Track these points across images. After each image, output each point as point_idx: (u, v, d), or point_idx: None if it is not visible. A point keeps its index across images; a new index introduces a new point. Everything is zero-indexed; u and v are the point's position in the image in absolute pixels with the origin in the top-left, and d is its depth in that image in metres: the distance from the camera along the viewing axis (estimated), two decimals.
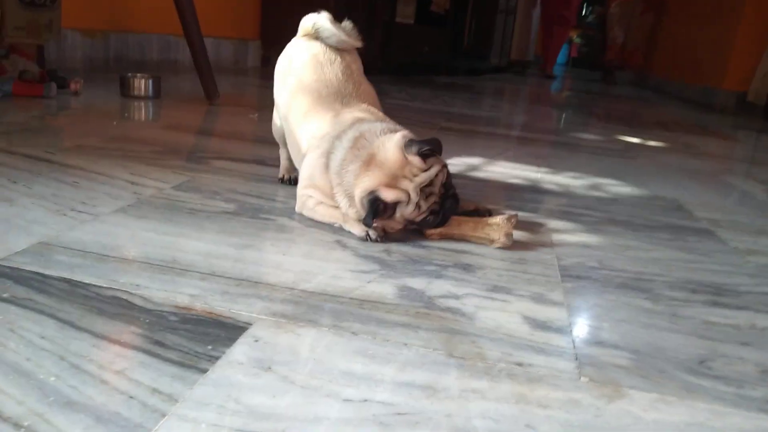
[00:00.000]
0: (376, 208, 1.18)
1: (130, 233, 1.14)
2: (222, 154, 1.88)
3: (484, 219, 1.27)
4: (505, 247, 1.24)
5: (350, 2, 4.70)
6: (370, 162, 1.22)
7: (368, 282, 1.04)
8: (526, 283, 1.11)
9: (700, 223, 1.67)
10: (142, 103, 2.69)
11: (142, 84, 2.78)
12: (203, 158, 1.78)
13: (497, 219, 1.25)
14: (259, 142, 2.06)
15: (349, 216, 1.27)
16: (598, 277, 1.18)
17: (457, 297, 1.02)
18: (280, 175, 1.59)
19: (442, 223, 1.27)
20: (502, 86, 6.45)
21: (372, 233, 1.23)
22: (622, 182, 2.10)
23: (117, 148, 1.78)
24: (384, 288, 1.02)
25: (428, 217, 1.23)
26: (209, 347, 0.79)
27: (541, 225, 1.48)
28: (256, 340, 0.81)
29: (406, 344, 0.85)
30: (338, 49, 1.50)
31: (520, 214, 1.54)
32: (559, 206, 1.69)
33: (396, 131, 1.28)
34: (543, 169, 2.17)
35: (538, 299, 1.04)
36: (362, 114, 1.34)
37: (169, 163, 1.66)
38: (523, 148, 2.64)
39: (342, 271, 1.07)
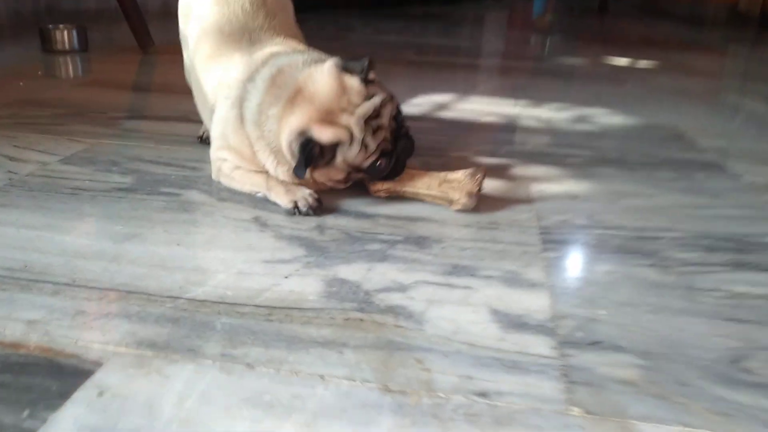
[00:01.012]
0: (310, 153, 0.92)
1: None
2: (140, 112, 1.59)
3: (443, 174, 1.00)
4: (467, 210, 0.98)
5: None
6: (295, 98, 0.94)
7: (286, 277, 0.78)
8: (496, 258, 0.85)
9: (705, 154, 1.41)
10: (66, 58, 2.35)
11: (65, 36, 2.43)
12: (115, 119, 1.48)
13: (459, 174, 0.98)
14: (190, 95, 1.76)
15: (279, 178, 1.00)
16: (588, 239, 0.93)
17: (403, 288, 0.76)
18: (200, 133, 1.31)
19: (396, 170, 1.01)
20: (481, 14, 6.04)
21: (302, 204, 0.97)
22: (612, 111, 1.82)
23: (10, 114, 1.48)
24: (307, 284, 0.77)
25: (379, 160, 0.97)
26: (25, 413, 0.53)
27: (517, 173, 1.21)
28: (101, 393, 0.56)
29: (322, 377, 0.60)
30: None
31: (493, 160, 1.28)
32: (540, 146, 1.42)
33: (323, 61, 1.00)
34: (522, 102, 1.89)
35: (512, 281, 0.79)
36: (276, 48, 1.06)
37: (69, 129, 1.37)
38: (500, 80, 2.35)
39: (253, 263, 0.81)
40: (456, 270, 0.81)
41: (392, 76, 2.27)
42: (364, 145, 0.94)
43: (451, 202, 0.97)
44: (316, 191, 1.00)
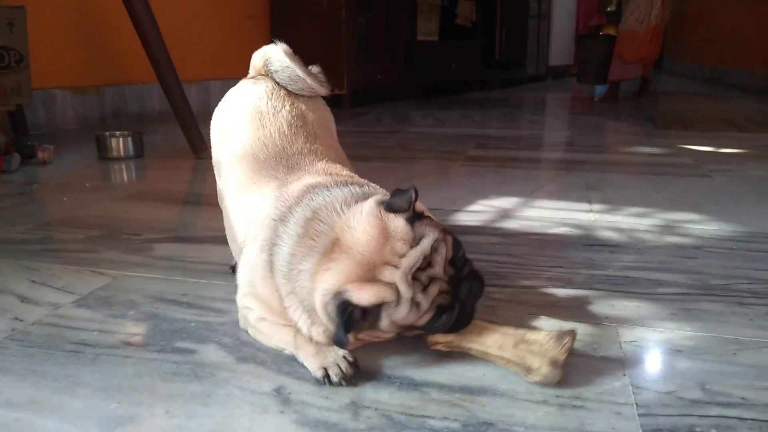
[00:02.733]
0: (349, 319, 0.74)
1: None
2: (177, 233, 1.48)
3: (521, 332, 0.80)
4: (548, 383, 0.77)
5: (366, 26, 4.33)
6: (332, 250, 0.78)
7: None
8: None
9: None
10: (119, 166, 2.34)
11: (120, 144, 2.44)
12: (149, 242, 1.38)
13: (541, 336, 0.78)
14: None
15: (314, 340, 0.83)
16: (705, 426, 0.70)
17: None
18: (233, 263, 1.17)
19: (462, 322, 0.82)
20: (541, 97, 5.94)
21: (333, 372, 0.79)
22: (704, 215, 1.59)
23: (41, 239, 1.41)
24: None
25: (436, 318, 0.78)
26: None
27: (601, 312, 1.00)
28: None
29: None
30: (294, 95, 1.08)
31: (570, 291, 1.07)
32: (625, 269, 1.20)
33: (366, 197, 0.85)
34: (596, 207, 1.69)
35: None
36: (315, 179, 0.91)
37: (96, 257, 1.27)
38: (568, 176, 2.15)
39: None
40: None
41: (451, 177, 2.12)
42: (414, 304, 0.76)
43: (528, 370, 0.77)
44: (354, 349, 0.82)
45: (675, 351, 0.88)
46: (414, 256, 0.76)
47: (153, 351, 0.88)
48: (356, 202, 0.84)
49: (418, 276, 0.77)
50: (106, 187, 2.05)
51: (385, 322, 0.78)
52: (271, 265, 0.85)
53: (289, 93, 1.08)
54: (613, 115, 4.18)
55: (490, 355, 0.81)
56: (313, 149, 1.01)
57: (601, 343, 0.90)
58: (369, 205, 0.81)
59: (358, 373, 0.80)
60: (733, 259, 1.27)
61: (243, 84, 1.13)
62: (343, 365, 0.79)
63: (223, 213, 1.08)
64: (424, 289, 0.77)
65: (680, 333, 0.93)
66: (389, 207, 0.79)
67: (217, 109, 1.13)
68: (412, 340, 0.86)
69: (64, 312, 1.01)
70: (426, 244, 0.78)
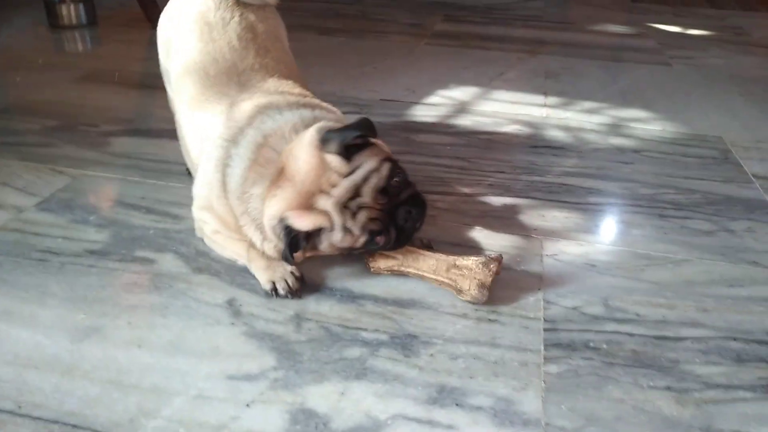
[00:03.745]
0: (295, 240, 0.83)
1: None
2: (135, 123, 1.49)
3: (452, 258, 0.89)
4: (477, 303, 0.87)
5: None
6: (278, 178, 0.85)
7: (248, 405, 0.70)
8: (490, 374, 0.76)
9: (750, 187, 1.25)
10: (72, 36, 2.25)
11: (72, 10, 2.32)
12: (106, 135, 1.39)
13: (470, 261, 0.87)
14: None
15: (265, 254, 0.91)
16: (599, 341, 0.82)
17: (377, 427, 0.68)
18: (188, 166, 1.21)
19: (401, 243, 0.90)
20: None
21: (281, 286, 0.88)
22: (652, 113, 1.65)
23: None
24: (269, 418, 0.69)
25: (370, 240, 0.87)
26: None
27: (532, 223, 1.09)
28: None
29: None
30: (243, 4, 1.06)
31: (508, 199, 1.16)
32: (564, 175, 1.28)
33: (316, 122, 0.89)
34: (551, 100, 1.73)
35: (503, 416, 0.70)
36: (266, 99, 0.94)
37: (54, 153, 1.30)
38: (530, 61, 2.15)
39: (216, 379, 0.74)
40: (442, 396, 0.72)
41: (413, 59, 2.10)
42: (346, 230, 0.84)
43: (460, 291, 0.86)
44: (302, 264, 0.91)
45: (589, 266, 0.98)
46: (344, 186, 0.83)
47: (115, 260, 0.95)
48: (305, 127, 0.88)
49: (349, 205, 0.83)
50: (59, 63, 1.98)
51: (325, 244, 0.86)
52: (224, 185, 0.90)
53: (238, 2, 1.06)
54: None
55: (426, 278, 0.90)
56: (264, 64, 1.02)
57: (525, 256, 1.00)
58: (309, 135, 0.85)
59: (303, 287, 0.89)
60: (666, 165, 1.35)
61: None
62: (290, 280, 0.88)
63: (176, 125, 1.10)
64: (354, 216, 0.84)
65: (598, 247, 1.04)
66: (325, 139, 0.84)
67: (162, 15, 1.11)
68: (354, 256, 0.94)
69: (28, 216, 1.06)
70: (358, 175, 0.83)
